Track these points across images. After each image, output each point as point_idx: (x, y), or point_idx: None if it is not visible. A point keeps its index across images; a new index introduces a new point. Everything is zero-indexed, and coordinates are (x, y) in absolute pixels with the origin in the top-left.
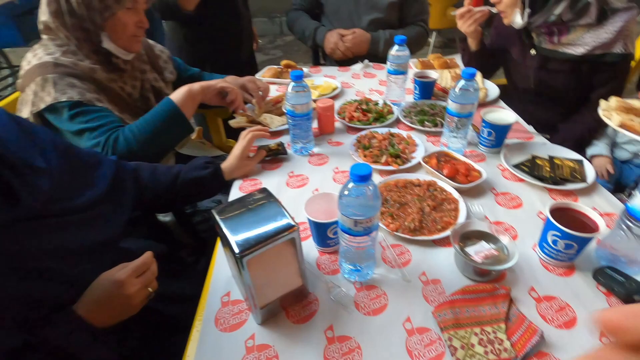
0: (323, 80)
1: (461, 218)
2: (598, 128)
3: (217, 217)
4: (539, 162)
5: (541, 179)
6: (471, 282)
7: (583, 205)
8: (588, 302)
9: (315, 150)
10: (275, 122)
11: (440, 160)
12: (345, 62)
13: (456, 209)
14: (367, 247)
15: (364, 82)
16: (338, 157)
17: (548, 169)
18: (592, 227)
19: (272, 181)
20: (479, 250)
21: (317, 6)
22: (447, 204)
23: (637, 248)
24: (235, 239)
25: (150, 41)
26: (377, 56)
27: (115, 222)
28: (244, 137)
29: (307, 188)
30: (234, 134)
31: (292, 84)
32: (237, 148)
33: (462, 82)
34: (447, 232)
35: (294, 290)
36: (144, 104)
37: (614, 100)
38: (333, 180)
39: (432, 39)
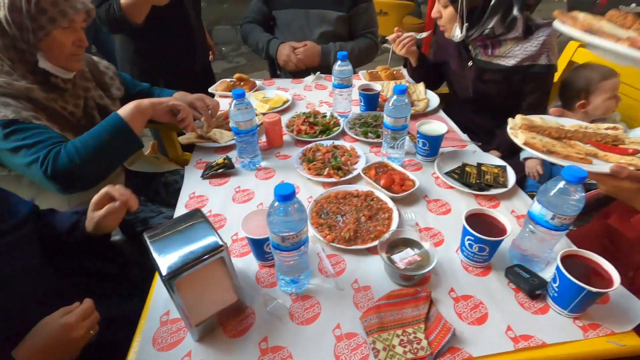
0: (275, 93)
1: (393, 226)
2: None
3: (147, 241)
4: (468, 169)
5: (468, 185)
6: (398, 286)
7: (494, 211)
8: (499, 299)
9: (263, 164)
10: (225, 137)
11: (379, 171)
12: (298, 74)
13: (389, 218)
14: (297, 261)
15: (315, 94)
16: (284, 171)
17: (475, 175)
18: (501, 231)
19: (218, 197)
20: (403, 257)
21: (270, 19)
22: (382, 213)
23: (539, 247)
24: (162, 261)
25: (95, 58)
26: (329, 68)
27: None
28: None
29: (252, 203)
30: (191, 147)
31: (234, 102)
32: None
33: (394, 97)
34: (375, 242)
35: (230, 306)
36: (89, 122)
37: (519, 118)
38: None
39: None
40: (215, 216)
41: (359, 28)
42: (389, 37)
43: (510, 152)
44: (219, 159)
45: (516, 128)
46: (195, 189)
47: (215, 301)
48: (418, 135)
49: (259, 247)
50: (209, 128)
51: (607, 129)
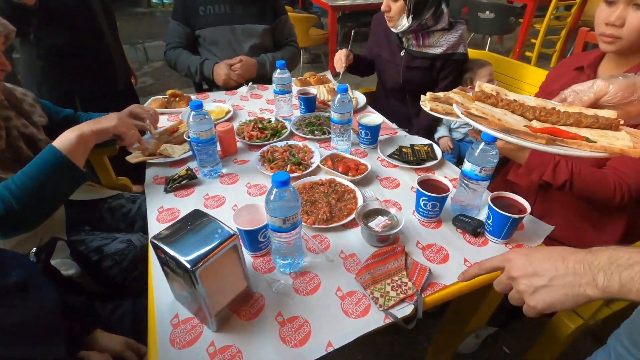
0: (214, 105)
1: (360, 202)
2: (438, 118)
3: (161, 244)
4: (404, 150)
5: (408, 162)
6: (376, 248)
7: (437, 176)
8: (453, 242)
9: (224, 171)
10: (177, 151)
11: (334, 160)
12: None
13: (355, 197)
14: (296, 239)
15: (253, 103)
16: (247, 174)
17: (411, 154)
18: (445, 189)
19: (189, 207)
20: (378, 223)
21: (194, 40)
22: (347, 194)
23: (472, 197)
24: (184, 257)
25: (9, 85)
26: (266, 77)
27: None
28: None
29: (226, 206)
30: (125, 170)
31: (192, 113)
32: None
33: (338, 96)
34: (352, 216)
35: (241, 293)
36: (15, 154)
37: (428, 95)
38: (248, 194)
39: (301, 56)
40: None
41: (283, 38)
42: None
43: (428, 133)
44: (179, 171)
45: (425, 101)
46: (162, 203)
47: (230, 289)
48: (360, 127)
49: (253, 238)
50: (158, 140)
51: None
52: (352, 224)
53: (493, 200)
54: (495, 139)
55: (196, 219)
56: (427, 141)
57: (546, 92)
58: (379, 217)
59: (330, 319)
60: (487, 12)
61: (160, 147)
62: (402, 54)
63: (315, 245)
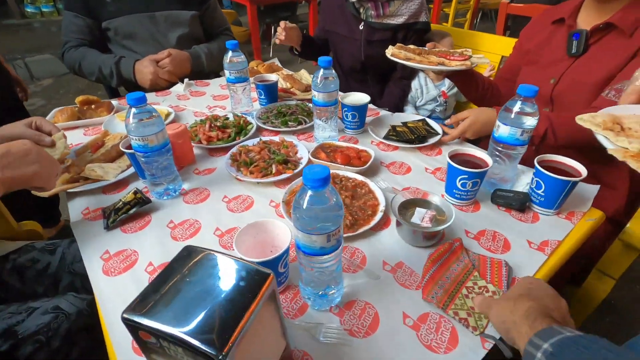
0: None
1: (380, 196)
2: (403, 97)
3: (148, 323)
4: (399, 129)
5: (410, 141)
6: (423, 249)
7: (469, 148)
8: (502, 223)
9: (186, 186)
10: (111, 170)
11: (327, 151)
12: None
13: (370, 191)
14: (339, 261)
15: (196, 102)
16: (218, 185)
17: (409, 132)
18: (483, 163)
19: (151, 243)
20: (421, 217)
21: (101, 35)
22: (360, 188)
23: (508, 168)
24: (201, 340)
25: None
26: (203, 72)
27: None
28: None
29: (205, 232)
30: (28, 210)
31: (133, 111)
32: None
33: (321, 72)
34: (379, 214)
35: (283, 358)
36: None
37: (393, 48)
38: (230, 211)
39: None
40: (164, 265)
41: (215, 26)
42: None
43: (396, 109)
44: (123, 196)
45: (390, 48)
46: (105, 246)
47: (268, 356)
48: (345, 108)
49: (272, 268)
50: (78, 164)
51: (459, 52)
52: (382, 225)
53: (541, 164)
54: (536, 92)
55: (194, 260)
56: (418, 117)
57: (522, 51)
58: (417, 209)
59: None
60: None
61: (83, 169)
62: (361, 27)
63: (348, 262)
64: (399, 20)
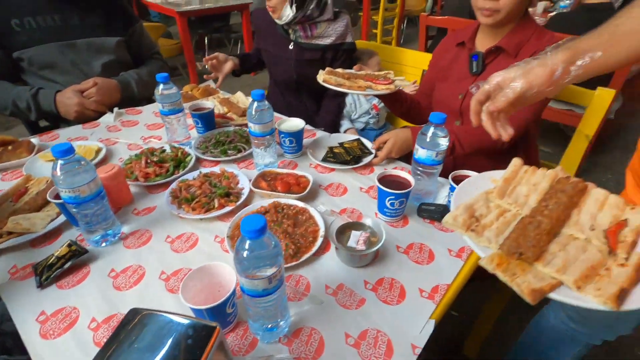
0: (75, 145)
1: (320, 221)
2: (339, 112)
3: None
4: (336, 150)
5: (346, 162)
6: (359, 269)
7: (395, 170)
8: (427, 235)
9: (126, 229)
10: (38, 221)
11: (268, 180)
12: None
13: (311, 216)
14: (283, 294)
15: (129, 132)
16: (160, 225)
17: (345, 153)
18: (407, 183)
19: (91, 296)
20: (356, 240)
21: (12, 66)
22: (301, 215)
23: (429, 184)
24: None
25: None
26: (134, 100)
27: None
28: None
29: (150, 278)
30: None
31: (60, 162)
32: None
33: (255, 104)
34: (320, 239)
35: None
36: None
37: (325, 71)
38: (174, 252)
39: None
40: (109, 319)
41: (143, 50)
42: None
43: (333, 129)
44: (57, 250)
45: (321, 74)
46: (40, 307)
47: None
48: (282, 135)
49: (221, 313)
50: (5, 221)
51: (383, 75)
52: (323, 249)
53: (455, 180)
54: (444, 119)
55: (139, 324)
56: (354, 136)
57: (435, 69)
58: (353, 232)
59: None
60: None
61: (6, 222)
62: (290, 47)
63: (293, 291)
64: (327, 41)
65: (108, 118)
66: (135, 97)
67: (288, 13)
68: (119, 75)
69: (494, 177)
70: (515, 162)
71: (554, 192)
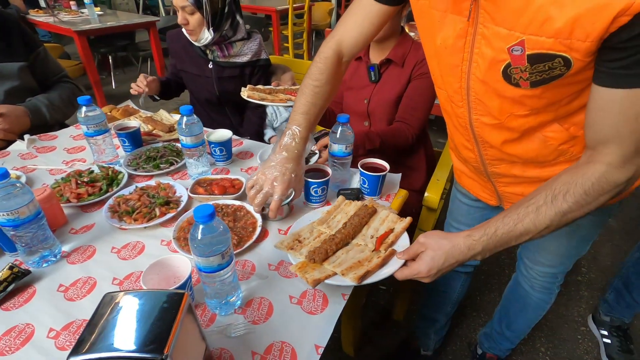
0: None
1: (257, 215)
2: (261, 122)
3: (97, 356)
4: None
5: None
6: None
7: (317, 164)
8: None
9: (67, 248)
10: None
11: (204, 186)
12: None
13: (248, 212)
14: (234, 272)
15: (47, 158)
16: (103, 239)
17: None
18: (326, 173)
19: (44, 311)
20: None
21: None
22: (239, 212)
23: (343, 173)
24: (143, 351)
25: None
26: (46, 125)
27: None
28: None
29: (103, 285)
30: None
31: None
32: None
33: (184, 119)
34: (259, 229)
35: (204, 358)
36: None
37: (247, 87)
38: (122, 260)
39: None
40: (68, 326)
41: (50, 75)
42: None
43: (258, 138)
44: None
45: (244, 91)
46: None
47: (195, 358)
48: (212, 145)
49: None
50: None
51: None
52: (262, 237)
53: (362, 167)
54: (348, 119)
55: (117, 300)
56: None
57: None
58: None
59: (301, 326)
60: (247, 26)
61: None
62: (210, 66)
63: (242, 272)
64: (244, 58)
65: (19, 146)
66: (47, 123)
67: (207, 36)
68: (25, 101)
69: (323, 210)
70: (339, 199)
71: (353, 215)
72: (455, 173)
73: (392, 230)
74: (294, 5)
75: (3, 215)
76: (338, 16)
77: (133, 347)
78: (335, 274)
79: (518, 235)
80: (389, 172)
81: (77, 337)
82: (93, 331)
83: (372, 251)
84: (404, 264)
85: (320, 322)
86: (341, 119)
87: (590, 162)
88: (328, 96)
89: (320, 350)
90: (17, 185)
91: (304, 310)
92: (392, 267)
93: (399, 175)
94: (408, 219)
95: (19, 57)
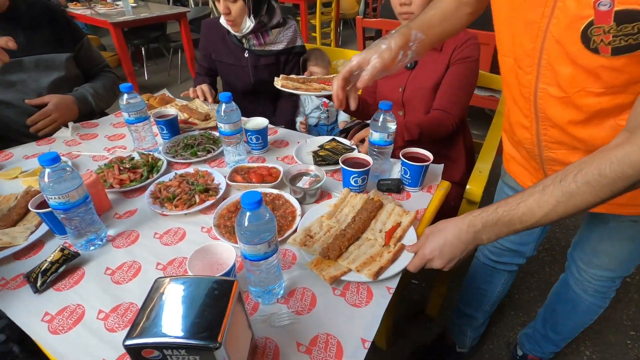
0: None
1: (295, 203)
2: (294, 111)
3: (148, 340)
4: (321, 153)
5: (337, 162)
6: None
7: (354, 153)
8: (389, 201)
9: (112, 232)
10: (18, 235)
11: (242, 174)
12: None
13: (286, 200)
14: (279, 261)
15: (90, 145)
16: (144, 224)
17: (331, 154)
18: (366, 163)
19: (92, 293)
20: (304, 182)
21: None
22: (277, 200)
23: (383, 162)
24: (196, 337)
25: None
26: (93, 113)
27: None
28: None
29: (147, 270)
30: None
31: (47, 171)
32: None
33: (223, 106)
34: (298, 218)
35: (251, 346)
36: None
37: (281, 77)
38: (165, 245)
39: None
40: (116, 309)
41: (93, 65)
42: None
43: (290, 122)
44: (50, 256)
45: (278, 81)
46: (43, 310)
47: (243, 347)
48: (248, 133)
49: None
50: None
51: (331, 78)
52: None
53: (404, 156)
54: (391, 105)
55: (168, 285)
56: (327, 137)
57: None
58: (303, 177)
59: (346, 318)
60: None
61: None
62: (246, 55)
63: (283, 261)
64: (280, 46)
65: (64, 133)
66: (93, 111)
67: (248, 24)
68: (71, 91)
69: (329, 204)
70: (344, 192)
71: (361, 210)
72: (505, 158)
73: (399, 224)
74: None
75: (55, 198)
76: (366, 5)
77: (186, 334)
78: (350, 270)
79: (520, 214)
80: (433, 162)
81: (125, 319)
82: (146, 316)
83: (382, 246)
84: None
85: (365, 315)
86: (383, 105)
87: (620, 145)
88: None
89: (367, 345)
90: (67, 169)
91: (348, 303)
92: (403, 262)
93: (441, 166)
94: (413, 213)
95: (66, 48)
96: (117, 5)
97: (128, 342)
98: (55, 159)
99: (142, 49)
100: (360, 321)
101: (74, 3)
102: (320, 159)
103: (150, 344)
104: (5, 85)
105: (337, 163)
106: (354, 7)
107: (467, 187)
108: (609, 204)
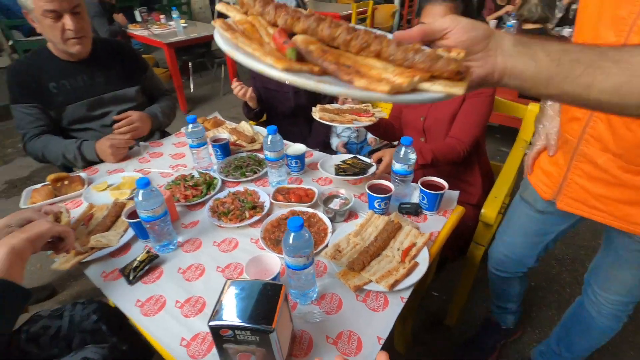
0: (121, 177)
1: (327, 222)
2: (328, 133)
3: (225, 322)
4: (343, 166)
5: (356, 174)
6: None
7: (379, 180)
8: (407, 224)
9: (181, 239)
10: (112, 238)
11: (283, 193)
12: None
13: (320, 219)
14: (314, 270)
15: (157, 163)
16: (205, 234)
17: (351, 167)
18: (388, 189)
19: (170, 287)
20: (335, 204)
21: (56, 122)
22: (312, 218)
23: (404, 188)
24: (258, 323)
25: None
26: (161, 129)
27: None
28: None
29: (209, 272)
30: None
31: (141, 192)
32: None
33: (270, 137)
34: (329, 235)
35: (291, 336)
36: None
37: (318, 107)
38: (222, 252)
39: None
40: (188, 300)
41: (156, 92)
42: (233, 87)
43: (324, 147)
44: (139, 256)
45: (316, 112)
46: (135, 297)
47: (287, 337)
48: (289, 157)
49: None
50: (85, 237)
51: (363, 108)
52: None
53: (422, 184)
54: (411, 142)
55: (233, 285)
56: (349, 155)
57: None
58: (334, 199)
59: (366, 319)
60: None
61: (88, 241)
62: (287, 82)
63: (316, 271)
64: None
65: (139, 151)
66: (161, 127)
67: None
68: None
69: (356, 223)
70: (369, 213)
71: (382, 230)
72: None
73: (414, 244)
74: (357, 10)
75: (145, 212)
76: (401, 18)
77: (251, 320)
78: (371, 281)
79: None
80: (448, 189)
81: (196, 308)
82: (221, 305)
83: (399, 262)
84: None
85: (382, 318)
86: (404, 141)
87: None
88: None
89: (382, 341)
90: (153, 190)
91: (368, 307)
92: (416, 277)
93: (457, 192)
94: (428, 234)
95: (134, 82)
96: (170, 25)
97: (212, 323)
98: (147, 184)
99: (190, 64)
100: (377, 323)
101: (134, 25)
102: (340, 170)
103: (226, 325)
104: (90, 119)
105: (354, 175)
106: (389, 20)
107: (482, 210)
108: (625, 221)
